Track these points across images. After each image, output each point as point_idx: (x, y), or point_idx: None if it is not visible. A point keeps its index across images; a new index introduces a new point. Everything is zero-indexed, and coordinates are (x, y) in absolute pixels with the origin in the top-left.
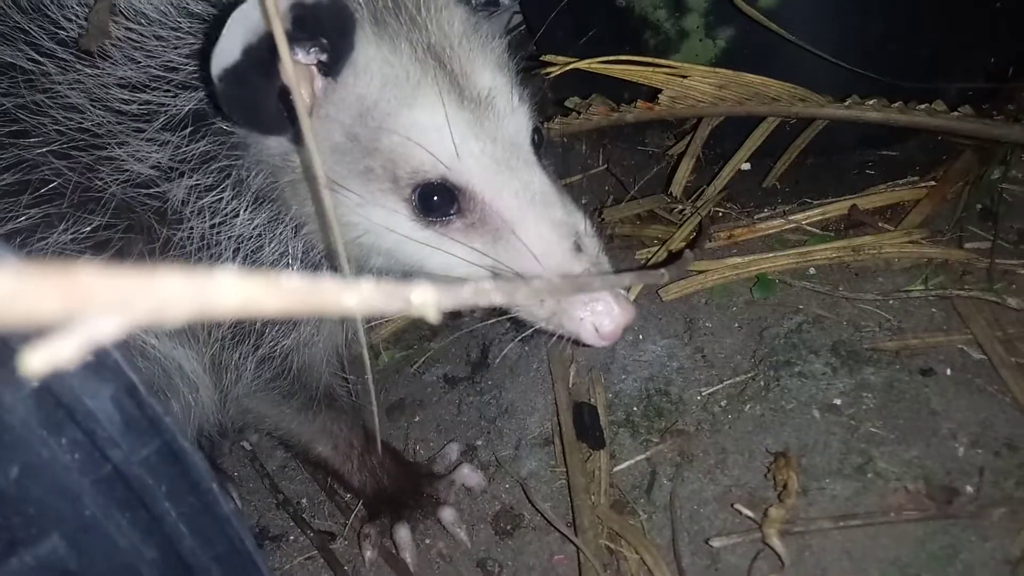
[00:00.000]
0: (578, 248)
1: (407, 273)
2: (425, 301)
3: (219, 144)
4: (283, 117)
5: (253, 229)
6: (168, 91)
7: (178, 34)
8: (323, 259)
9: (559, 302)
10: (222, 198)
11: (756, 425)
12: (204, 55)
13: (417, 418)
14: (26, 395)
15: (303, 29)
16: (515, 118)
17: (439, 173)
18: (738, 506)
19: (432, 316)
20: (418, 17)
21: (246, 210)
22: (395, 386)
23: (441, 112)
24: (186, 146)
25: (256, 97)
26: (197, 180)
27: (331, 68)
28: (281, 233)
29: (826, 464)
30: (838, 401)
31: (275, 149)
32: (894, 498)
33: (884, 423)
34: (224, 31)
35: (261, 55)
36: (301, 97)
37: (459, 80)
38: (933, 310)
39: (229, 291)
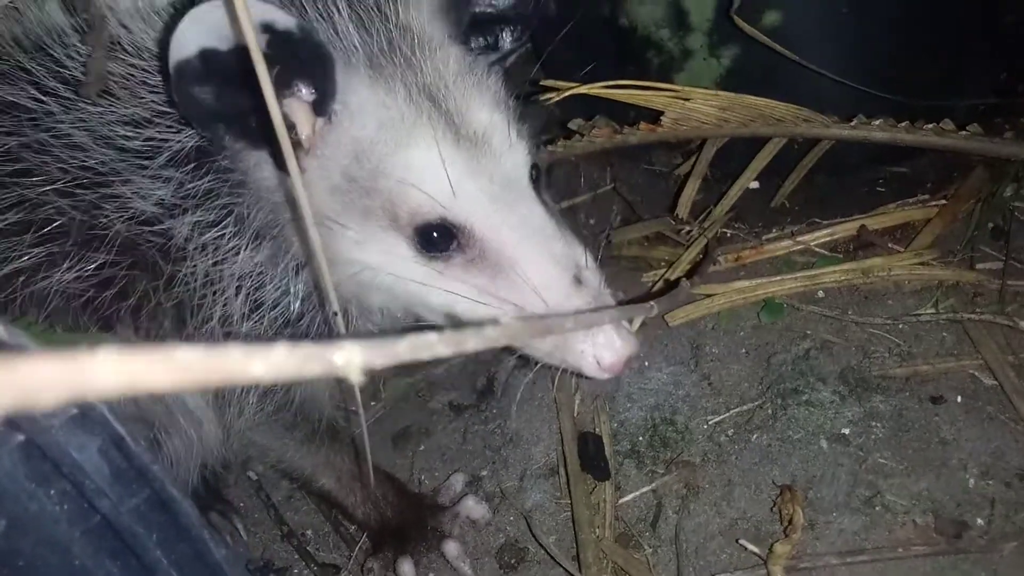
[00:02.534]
0: (578, 281)
1: (409, 310)
2: (350, 362)
3: (221, 181)
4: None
5: (254, 266)
6: (171, 127)
7: None
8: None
9: (561, 340)
10: (224, 234)
11: (763, 456)
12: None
13: (422, 447)
14: (12, 449)
15: (279, 54)
16: (512, 155)
17: (437, 213)
18: (743, 541)
19: (356, 378)
20: (413, 58)
21: (246, 248)
22: (401, 414)
23: (436, 153)
24: (189, 183)
25: (222, 106)
26: (200, 216)
27: (319, 107)
28: (281, 271)
29: (833, 497)
30: (846, 431)
31: (275, 186)
32: (902, 532)
33: (893, 453)
34: (181, 25)
35: (229, 64)
36: (284, 126)
37: (454, 119)
38: (944, 334)
39: (109, 370)
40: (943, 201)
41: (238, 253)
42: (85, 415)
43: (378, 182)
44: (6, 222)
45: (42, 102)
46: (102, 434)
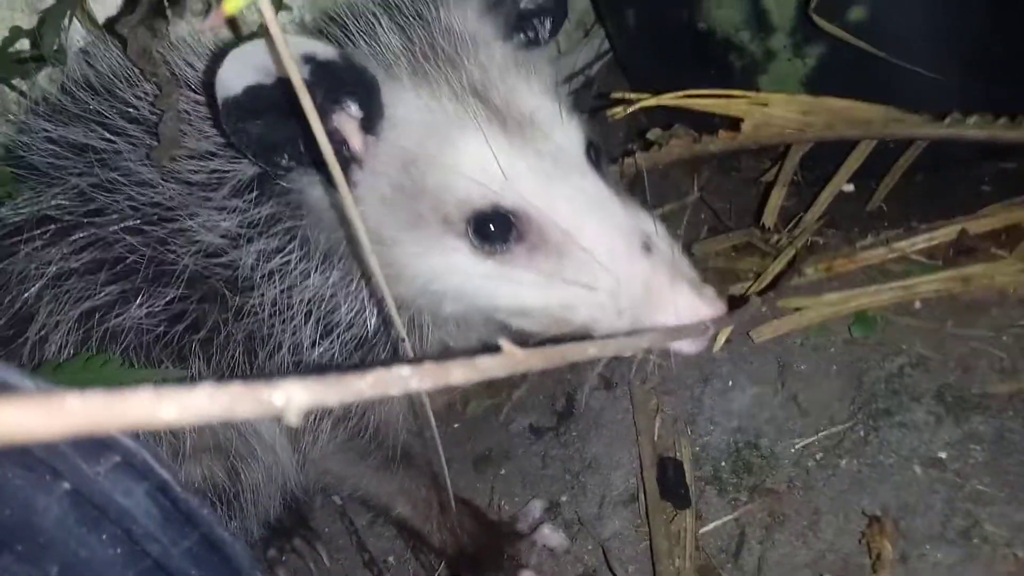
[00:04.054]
0: (647, 248)
1: (486, 317)
2: (291, 402)
3: (283, 205)
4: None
5: (326, 289)
6: (234, 158)
7: None
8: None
9: (638, 312)
10: (289, 260)
11: (852, 482)
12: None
13: (503, 471)
14: (60, 496)
15: (323, 82)
16: (563, 132)
17: (489, 200)
18: None
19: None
20: (457, 58)
21: (317, 271)
22: (482, 436)
23: (481, 140)
24: (252, 210)
25: (274, 136)
26: (264, 244)
27: (368, 125)
28: (356, 289)
29: (927, 527)
30: (942, 455)
31: (328, 205)
32: (1002, 566)
33: (993, 480)
34: (225, 64)
35: (275, 96)
36: (328, 148)
37: (501, 109)
38: None
39: None
40: None
41: (308, 277)
42: (128, 462)
43: (426, 182)
44: (81, 261)
45: (112, 142)
46: (147, 480)
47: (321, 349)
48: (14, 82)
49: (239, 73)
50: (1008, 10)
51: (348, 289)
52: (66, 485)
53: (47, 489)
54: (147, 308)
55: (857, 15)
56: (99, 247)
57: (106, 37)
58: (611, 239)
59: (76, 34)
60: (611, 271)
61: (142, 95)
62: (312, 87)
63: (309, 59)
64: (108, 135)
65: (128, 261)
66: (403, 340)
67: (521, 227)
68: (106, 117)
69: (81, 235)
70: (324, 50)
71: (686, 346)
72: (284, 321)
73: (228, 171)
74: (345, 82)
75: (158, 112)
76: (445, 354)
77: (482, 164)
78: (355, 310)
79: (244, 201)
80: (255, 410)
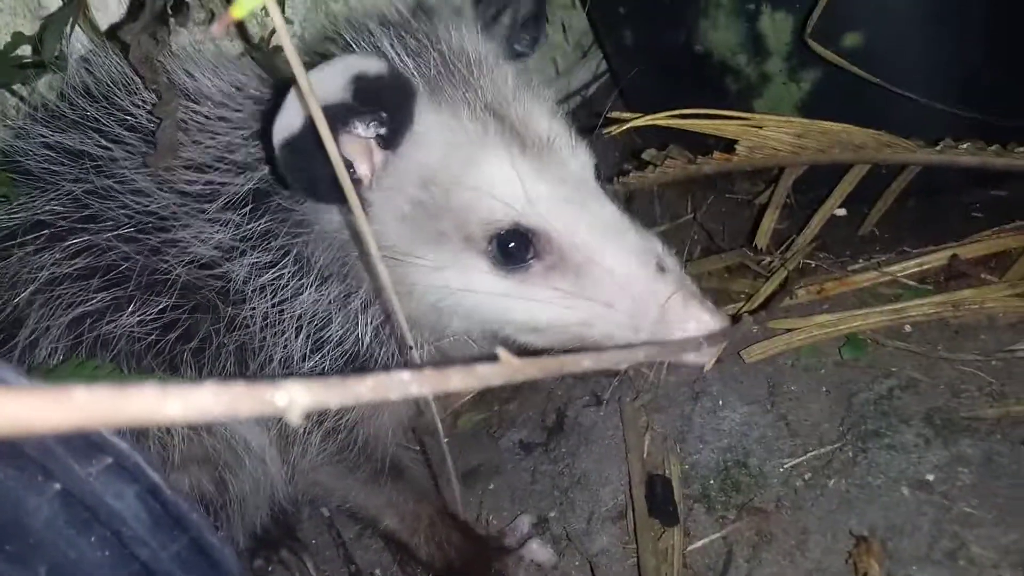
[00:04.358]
0: (661, 269)
1: (488, 332)
2: (292, 402)
3: (279, 222)
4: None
5: (319, 306)
6: (229, 170)
7: (240, 115)
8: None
9: (655, 329)
10: (282, 274)
11: (840, 503)
12: (264, 131)
13: (492, 486)
14: (51, 498)
15: (364, 102)
16: (577, 156)
17: (511, 219)
18: None
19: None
20: (471, 79)
21: (311, 287)
22: (472, 451)
23: (507, 162)
24: (246, 224)
25: (315, 167)
26: (257, 257)
27: (390, 141)
28: (351, 309)
29: (914, 548)
30: (930, 477)
31: (340, 225)
32: None
33: (980, 502)
34: (285, 103)
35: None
36: (344, 170)
37: (519, 130)
38: None
39: None
40: None
41: (300, 293)
42: (120, 464)
43: (449, 201)
44: (74, 267)
45: (108, 149)
46: (138, 483)
47: (311, 364)
48: (14, 87)
49: (298, 109)
50: (1001, 39)
51: (343, 308)
52: (57, 486)
53: (38, 489)
54: (139, 316)
55: (852, 41)
56: (92, 253)
57: (107, 45)
58: (630, 261)
59: (77, 41)
60: (630, 291)
61: (140, 103)
62: (357, 106)
63: (360, 78)
64: (105, 142)
65: (121, 268)
66: (411, 348)
67: (540, 246)
68: (103, 124)
69: (74, 241)
70: (375, 66)
71: (694, 356)
72: (275, 335)
73: (224, 184)
74: (382, 95)
75: (156, 119)
76: (444, 361)
77: (505, 184)
78: (346, 328)
79: (238, 215)
80: (258, 409)
